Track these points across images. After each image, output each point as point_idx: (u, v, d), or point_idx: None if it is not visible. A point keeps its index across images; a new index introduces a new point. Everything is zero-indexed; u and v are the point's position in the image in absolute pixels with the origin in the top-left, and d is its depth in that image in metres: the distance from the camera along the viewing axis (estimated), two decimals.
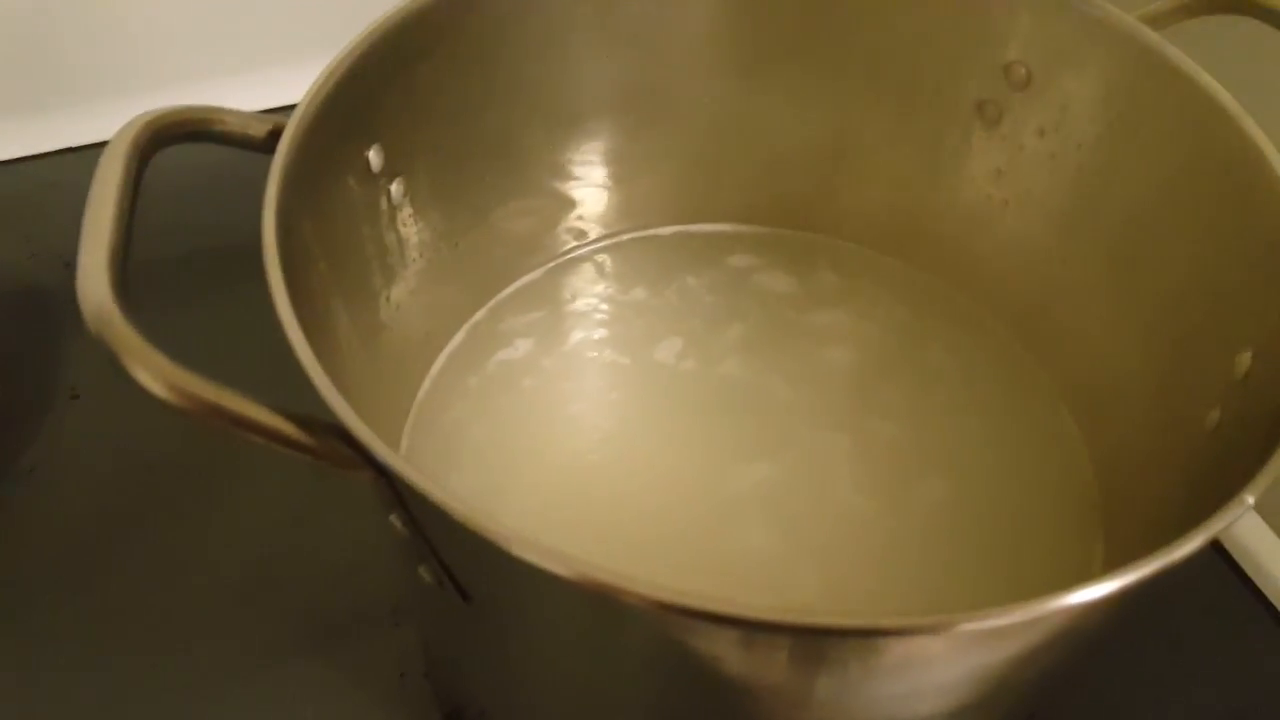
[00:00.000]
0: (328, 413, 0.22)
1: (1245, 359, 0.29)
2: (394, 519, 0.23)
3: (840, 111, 0.40)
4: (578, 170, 0.41)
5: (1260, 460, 0.23)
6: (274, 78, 0.53)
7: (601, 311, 0.41)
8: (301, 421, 0.23)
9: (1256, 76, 0.31)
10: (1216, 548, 0.41)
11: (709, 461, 0.37)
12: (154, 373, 0.22)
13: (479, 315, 0.41)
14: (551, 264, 0.42)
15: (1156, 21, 0.32)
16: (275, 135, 0.28)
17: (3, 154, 0.53)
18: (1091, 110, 0.35)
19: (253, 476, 0.41)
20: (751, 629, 0.20)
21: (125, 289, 0.23)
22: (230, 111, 0.28)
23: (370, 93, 0.31)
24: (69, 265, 0.23)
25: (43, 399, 0.43)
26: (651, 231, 0.44)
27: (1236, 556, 0.40)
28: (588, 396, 0.39)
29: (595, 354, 0.40)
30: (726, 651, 0.22)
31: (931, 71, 0.38)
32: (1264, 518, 0.40)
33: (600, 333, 0.41)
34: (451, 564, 0.24)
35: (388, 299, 0.35)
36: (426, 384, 0.39)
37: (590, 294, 0.42)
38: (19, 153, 0.53)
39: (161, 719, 0.35)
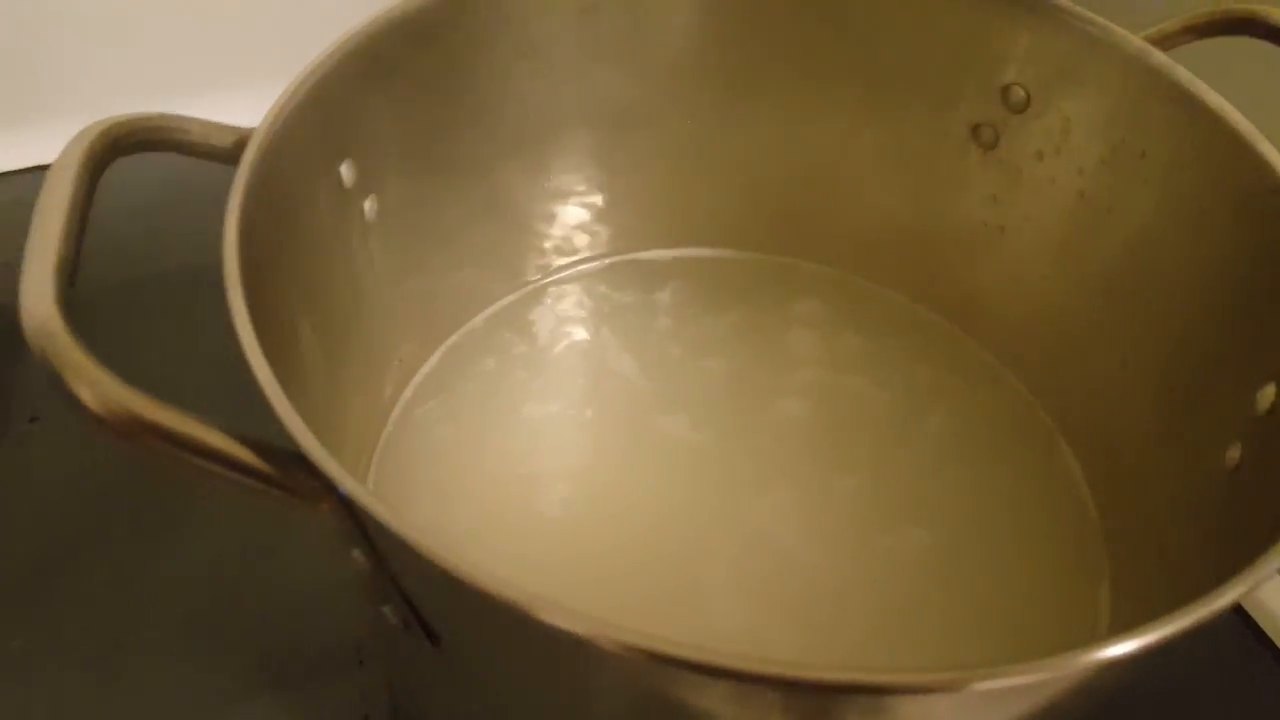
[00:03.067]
0: (287, 440, 0.20)
1: (1269, 393, 0.27)
2: (356, 554, 0.22)
3: (829, 135, 0.39)
4: (556, 192, 0.40)
5: None
6: (244, 99, 0.52)
7: (579, 339, 0.40)
8: (258, 447, 0.21)
9: (1270, 99, 0.30)
10: None
11: (687, 505, 0.35)
12: (98, 392, 0.20)
13: (453, 339, 0.39)
14: (528, 288, 0.41)
15: (1163, 42, 0.31)
16: (241, 146, 0.27)
17: None
18: (1093, 134, 0.34)
19: (213, 506, 0.39)
20: (745, 682, 0.19)
21: (72, 304, 0.22)
22: (193, 120, 0.27)
23: (343, 105, 0.30)
24: None
25: (2, 421, 0.42)
26: (632, 256, 0.42)
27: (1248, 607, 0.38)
28: (563, 429, 0.37)
29: (573, 383, 0.39)
30: (716, 705, 0.20)
31: (925, 93, 0.37)
32: None
33: (577, 362, 0.39)
34: (418, 604, 0.22)
35: (357, 321, 0.34)
36: (397, 411, 0.37)
37: (568, 320, 0.41)
38: None
39: None
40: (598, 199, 0.40)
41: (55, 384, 0.20)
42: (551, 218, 0.40)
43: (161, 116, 0.26)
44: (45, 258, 0.21)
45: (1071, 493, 0.36)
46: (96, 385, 0.20)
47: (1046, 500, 0.36)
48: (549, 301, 0.41)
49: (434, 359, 0.39)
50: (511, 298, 0.41)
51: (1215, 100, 0.30)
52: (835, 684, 0.18)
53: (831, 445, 0.37)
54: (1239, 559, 0.20)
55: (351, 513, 0.21)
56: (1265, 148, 0.28)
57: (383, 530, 0.19)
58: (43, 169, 0.56)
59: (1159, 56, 0.31)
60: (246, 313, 0.22)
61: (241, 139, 0.27)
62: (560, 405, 0.38)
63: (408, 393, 0.38)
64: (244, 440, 0.21)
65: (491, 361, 0.39)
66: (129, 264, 0.47)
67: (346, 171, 0.31)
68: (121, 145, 0.25)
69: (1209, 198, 0.30)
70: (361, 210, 0.32)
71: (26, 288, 0.21)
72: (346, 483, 0.19)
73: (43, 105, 0.51)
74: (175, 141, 0.26)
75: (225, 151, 0.27)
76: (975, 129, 0.37)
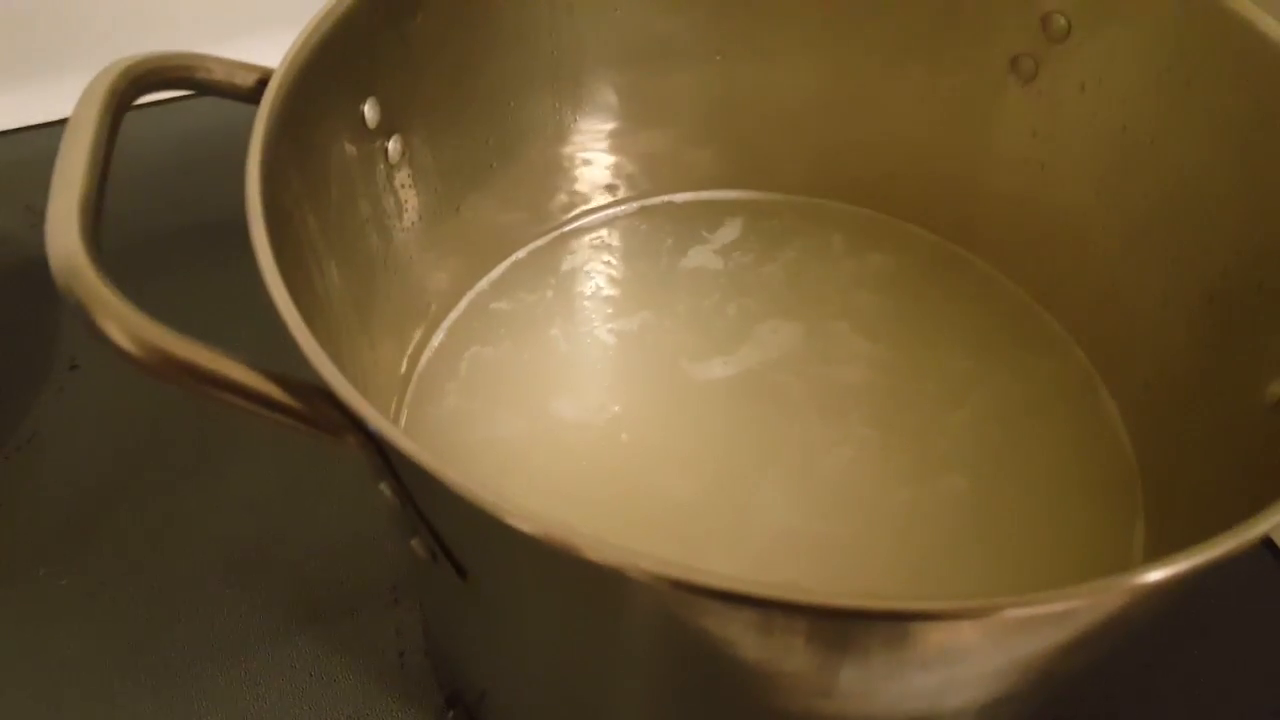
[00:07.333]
0: (315, 376, 0.21)
1: None
2: (384, 487, 0.22)
3: (863, 70, 0.38)
4: (582, 133, 0.39)
5: None
6: (265, 44, 0.52)
7: (608, 285, 0.40)
8: (283, 382, 0.21)
9: None
10: None
11: (718, 445, 0.35)
12: (123, 326, 0.20)
13: (482, 284, 0.39)
14: (556, 232, 0.41)
15: None
16: (263, 84, 0.26)
17: (3, 124, 0.53)
18: (1138, 63, 0.33)
19: (252, 448, 0.40)
20: (773, 611, 0.18)
21: (97, 240, 0.22)
22: (215, 58, 0.27)
23: (365, 42, 0.29)
24: None
25: (42, 369, 0.43)
26: (663, 199, 0.42)
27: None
28: (593, 375, 0.37)
29: (601, 330, 0.38)
30: (743, 636, 0.20)
31: (962, 24, 0.36)
32: None
33: (607, 308, 0.39)
34: (445, 537, 0.22)
35: (385, 263, 0.34)
36: (427, 355, 0.37)
37: (597, 266, 0.40)
38: (19, 123, 0.53)
39: (153, 693, 0.35)
40: (625, 139, 0.40)
41: (81, 319, 0.20)
42: (579, 159, 0.40)
43: (183, 55, 0.26)
44: (69, 194, 0.22)
45: (1109, 432, 0.36)
46: (123, 320, 0.20)
47: (1083, 440, 0.36)
48: (578, 245, 0.41)
49: (463, 304, 0.39)
50: (540, 242, 0.40)
51: (1267, 24, 0.28)
52: (864, 611, 0.18)
53: (861, 389, 0.37)
54: (1275, 493, 0.20)
55: (377, 446, 0.21)
56: None
57: (405, 462, 0.19)
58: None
59: None
60: (270, 251, 0.22)
61: (264, 77, 0.27)
62: (590, 350, 0.38)
63: (437, 338, 0.38)
64: (269, 375, 0.21)
65: (521, 306, 0.39)
66: (157, 216, 0.47)
67: (370, 110, 0.31)
68: (143, 84, 0.25)
69: (1256, 127, 0.29)
70: (386, 150, 0.32)
71: (51, 224, 0.21)
72: (369, 414, 0.19)
73: (63, 57, 0.51)
74: (197, 80, 0.26)
75: (247, 91, 0.27)
76: (1014, 60, 0.36)
